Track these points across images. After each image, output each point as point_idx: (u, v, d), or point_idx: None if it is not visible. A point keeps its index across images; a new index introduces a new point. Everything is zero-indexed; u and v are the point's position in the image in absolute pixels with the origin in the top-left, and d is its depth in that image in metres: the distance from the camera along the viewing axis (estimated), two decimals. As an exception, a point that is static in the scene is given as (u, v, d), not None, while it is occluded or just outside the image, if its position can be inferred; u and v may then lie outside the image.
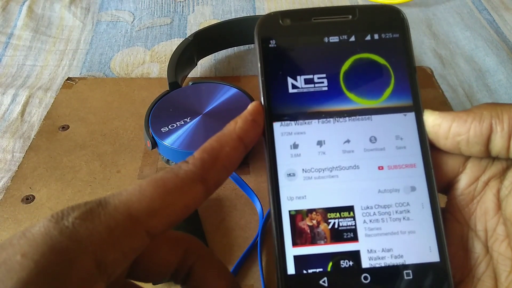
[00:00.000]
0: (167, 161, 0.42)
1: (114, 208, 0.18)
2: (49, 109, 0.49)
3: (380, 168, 0.23)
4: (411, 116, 0.24)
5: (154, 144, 0.40)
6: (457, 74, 0.53)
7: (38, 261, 0.16)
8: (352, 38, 0.26)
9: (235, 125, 0.22)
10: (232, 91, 0.44)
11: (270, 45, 0.25)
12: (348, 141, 0.24)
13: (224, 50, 0.56)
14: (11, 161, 0.44)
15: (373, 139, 0.24)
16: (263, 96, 0.24)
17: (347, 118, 0.24)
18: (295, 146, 0.24)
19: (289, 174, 0.23)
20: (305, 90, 0.25)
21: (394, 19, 0.25)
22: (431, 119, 0.23)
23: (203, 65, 0.55)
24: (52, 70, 0.56)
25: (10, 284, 0.16)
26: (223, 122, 0.40)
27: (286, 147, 0.23)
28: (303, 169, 0.23)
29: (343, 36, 0.26)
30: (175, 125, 0.40)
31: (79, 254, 0.17)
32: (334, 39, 0.25)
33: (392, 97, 0.25)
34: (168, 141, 0.39)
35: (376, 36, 0.25)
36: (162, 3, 0.66)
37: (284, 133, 0.24)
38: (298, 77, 0.25)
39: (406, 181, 0.23)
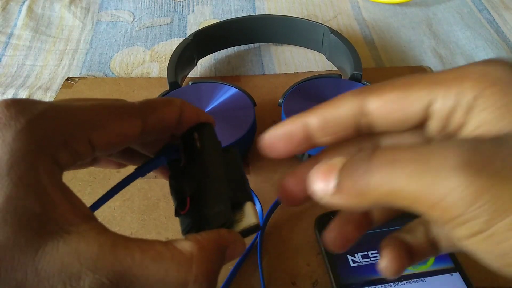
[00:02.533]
0: (167, 161, 0.42)
1: None
2: (49, 109, 0.49)
3: None
4: (457, 275, 0.31)
5: (154, 144, 0.40)
6: (457, 74, 0.53)
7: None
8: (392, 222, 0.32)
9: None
10: (232, 91, 0.44)
11: None
12: None
13: (224, 50, 0.56)
14: (11, 161, 0.44)
15: None
16: (331, 272, 0.32)
17: (405, 282, 0.31)
18: None
19: None
20: (363, 263, 0.32)
21: None
22: None
23: (203, 65, 0.55)
24: (52, 70, 0.56)
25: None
26: (223, 122, 0.40)
27: None
28: None
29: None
30: (175, 125, 0.40)
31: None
32: None
33: (437, 263, 0.32)
34: (168, 141, 0.39)
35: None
36: (162, 3, 0.66)
37: None
38: (355, 255, 0.33)
39: None
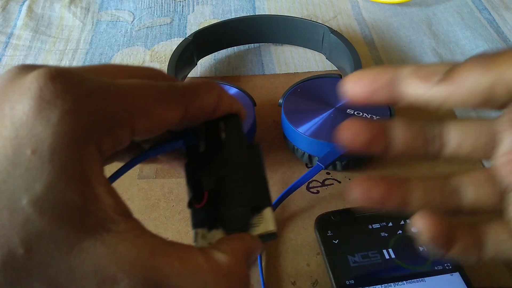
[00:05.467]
0: (167, 161, 0.42)
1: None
2: (49, 109, 0.49)
3: None
4: (457, 275, 0.31)
5: (154, 144, 0.40)
6: (457, 74, 0.53)
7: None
8: (390, 223, 0.34)
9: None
10: (232, 91, 0.44)
11: (328, 236, 0.34)
12: None
13: (224, 50, 0.56)
14: (11, 161, 0.44)
15: None
16: (331, 272, 0.32)
17: (405, 282, 0.31)
18: None
19: None
20: (363, 263, 0.32)
21: None
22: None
23: (203, 65, 0.55)
24: (52, 70, 0.56)
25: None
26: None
27: None
28: None
29: (382, 223, 0.34)
30: (175, 125, 0.40)
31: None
32: (376, 225, 0.34)
33: (437, 263, 0.32)
34: (168, 141, 0.39)
35: None
36: (162, 3, 0.66)
37: None
38: (356, 254, 0.33)
39: None
